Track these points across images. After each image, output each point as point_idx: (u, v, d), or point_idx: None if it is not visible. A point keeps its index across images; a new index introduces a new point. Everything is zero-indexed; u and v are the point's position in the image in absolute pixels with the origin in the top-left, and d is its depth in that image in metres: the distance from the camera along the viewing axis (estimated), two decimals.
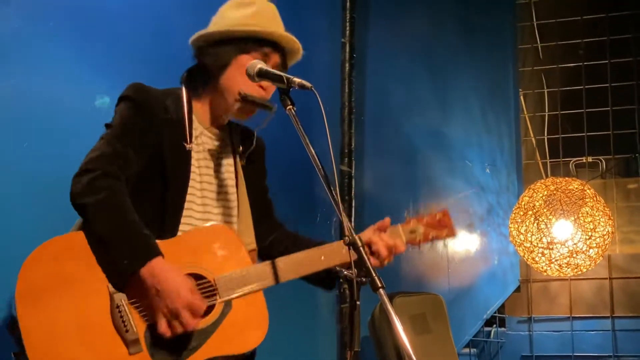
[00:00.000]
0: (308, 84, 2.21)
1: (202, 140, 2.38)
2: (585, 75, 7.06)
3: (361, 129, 4.76)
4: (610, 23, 7.05)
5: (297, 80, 2.22)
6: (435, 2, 5.80)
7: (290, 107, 2.22)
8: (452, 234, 2.67)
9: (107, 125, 2.26)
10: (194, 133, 2.35)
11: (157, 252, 2.08)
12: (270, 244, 2.57)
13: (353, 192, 4.50)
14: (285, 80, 2.22)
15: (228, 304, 2.23)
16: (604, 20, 7.07)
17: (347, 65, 4.65)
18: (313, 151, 2.15)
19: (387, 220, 2.56)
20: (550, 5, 7.21)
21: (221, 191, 2.41)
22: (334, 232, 4.40)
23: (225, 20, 2.40)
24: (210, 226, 2.35)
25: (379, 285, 1.98)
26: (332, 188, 2.10)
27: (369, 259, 2.01)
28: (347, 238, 2.06)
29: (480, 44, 6.45)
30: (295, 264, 2.36)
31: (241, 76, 2.33)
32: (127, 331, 2.03)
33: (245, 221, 2.44)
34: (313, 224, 4.29)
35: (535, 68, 7.27)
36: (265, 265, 2.31)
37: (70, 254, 2.03)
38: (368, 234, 2.51)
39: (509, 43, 7.05)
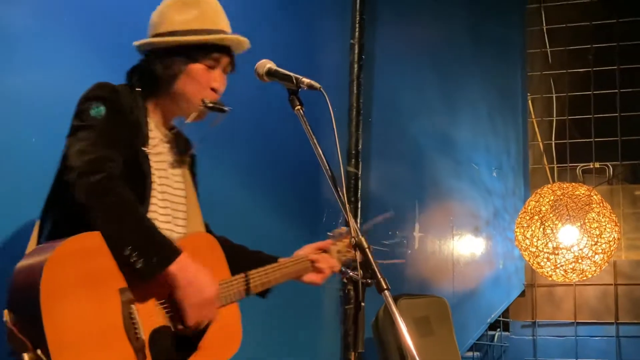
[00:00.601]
0: (317, 85, 2.22)
1: (156, 143, 2.36)
2: (594, 80, 7.04)
3: (368, 130, 4.77)
4: (620, 29, 7.03)
5: (306, 80, 2.23)
6: (444, 5, 5.79)
7: (299, 107, 2.23)
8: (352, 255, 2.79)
9: (82, 125, 2.17)
10: (150, 135, 2.34)
11: (180, 249, 2.10)
12: None
13: (359, 193, 4.51)
14: (295, 81, 2.23)
15: None
16: (613, 26, 7.06)
17: (355, 66, 4.66)
18: (321, 152, 2.16)
19: (330, 242, 2.72)
20: (560, 10, 7.19)
21: (178, 196, 2.42)
22: None
23: (168, 24, 2.36)
24: (196, 234, 2.40)
25: (384, 286, 1.99)
26: (339, 189, 2.11)
27: (374, 260, 2.02)
28: (353, 239, 2.07)
29: (489, 48, 6.44)
30: (264, 278, 2.48)
31: (194, 84, 2.35)
32: (137, 339, 2.02)
33: (197, 225, 2.46)
34: (319, 224, 4.29)
35: (543, 73, 7.25)
36: (241, 278, 2.40)
37: (93, 253, 2.00)
38: (310, 251, 2.68)
39: (518, 47, 7.04)
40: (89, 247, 2.00)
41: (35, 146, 2.62)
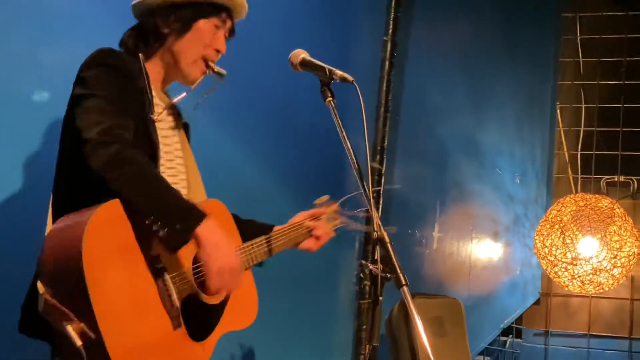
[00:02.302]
0: (350, 77, 2.21)
1: (158, 110, 2.31)
2: (624, 94, 6.99)
3: (395, 127, 4.77)
4: None
5: (339, 72, 2.22)
6: (479, 8, 5.78)
7: (330, 99, 2.22)
8: (338, 222, 2.79)
9: (87, 95, 2.10)
10: (154, 102, 2.29)
11: (205, 213, 2.06)
12: None
13: (382, 189, 4.52)
14: (328, 72, 2.22)
15: None
16: None
17: (387, 63, 4.66)
18: (349, 145, 2.14)
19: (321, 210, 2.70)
20: (595, 21, 7.15)
21: (178, 164, 2.38)
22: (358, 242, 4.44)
23: None
24: (208, 201, 2.37)
25: (403, 282, 1.98)
26: (364, 182, 2.11)
27: (395, 255, 2.02)
28: (375, 233, 2.06)
29: (521, 53, 6.42)
30: (282, 240, 2.51)
31: (199, 42, 2.32)
32: (172, 306, 2.02)
33: (199, 192, 2.43)
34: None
35: (574, 82, 7.21)
36: (263, 239, 2.43)
37: (120, 223, 1.96)
38: (304, 218, 2.67)
39: (550, 55, 7.01)
40: (120, 215, 1.96)
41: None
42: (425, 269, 5.15)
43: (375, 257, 2.03)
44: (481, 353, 6.12)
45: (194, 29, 2.32)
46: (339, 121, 2.20)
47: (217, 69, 2.36)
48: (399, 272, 1.99)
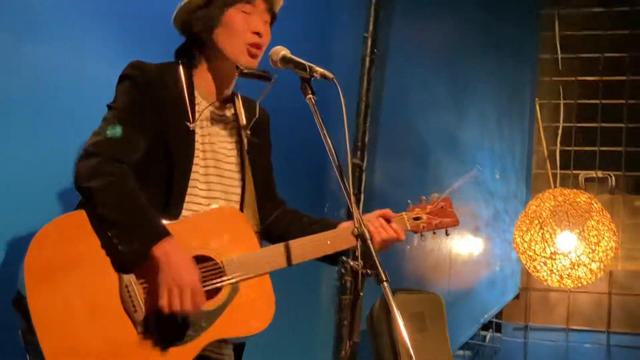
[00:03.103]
0: (330, 75, 2.23)
1: (206, 116, 2.34)
2: (602, 90, 7.06)
3: (376, 124, 4.78)
4: (632, 40, 7.04)
5: (319, 69, 2.23)
6: (459, 5, 5.80)
7: (310, 96, 2.23)
8: (455, 222, 2.66)
9: (110, 106, 2.22)
10: (197, 109, 2.31)
11: (167, 233, 2.09)
12: (272, 223, 2.54)
13: (363, 186, 4.53)
14: (308, 69, 2.23)
15: (235, 287, 2.23)
16: (626, 37, 7.07)
17: (367, 59, 4.66)
18: (330, 142, 2.15)
19: (387, 210, 2.58)
20: (574, 18, 7.21)
21: (226, 170, 2.38)
22: None
23: None
24: (219, 208, 2.33)
25: (384, 278, 2.00)
26: (345, 179, 2.12)
27: (376, 251, 2.04)
28: (355, 229, 2.08)
29: (501, 50, 6.45)
30: (307, 247, 2.36)
31: (233, 32, 2.32)
32: (135, 311, 2.04)
33: (249, 201, 2.42)
34: (321, 214, 4.31)
35: (553, 79, 7.27)
36: (279, 247, 2.32)
37: (80, 232, 2.02)
38: (371, 217, 2.52)
39: (530, 52, 7.05)
40: (81, 225, 2.03)
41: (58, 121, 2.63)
42: (406, 264, 5.17)
43: (356, 254, 2.05)
44: (461, 347, 6.16)
45: (223, 22, 2.32)
46: (320, 118, 2.21)
47: (247, 70, 2.33)
48: (379, 268, 2.01)
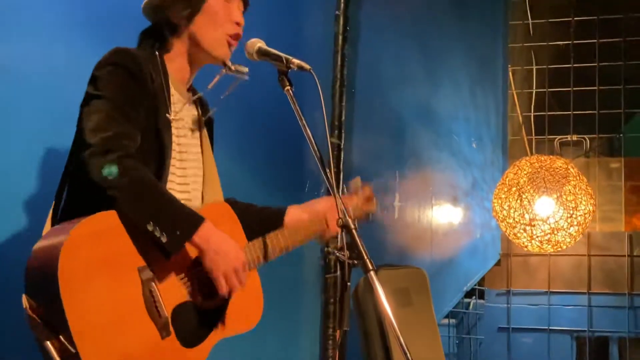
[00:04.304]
0: (307, 66, 2.22)
1: (178, 108, 2.31)
2: (574, 54, 7.11)
3: (352, 101, 4.78)
4: (602, 3, 7.09)
5: (296, 61, 2.23)
6: None
7: (289, 87, 2.23)
8: (374, 208, 2.76)
9: (99, 95, 2.10)
10: (172, 100, 2.28)
11: (202, 217, 2.08)
12: None
13: (342, 164, 4.55)
14: (285, 61, 2.23)
15: None
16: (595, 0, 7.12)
17: (340, 38, 4.65)
18: (310, 134, 2.16)
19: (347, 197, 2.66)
20: None
21: (194, 162, 2.37)
22: None
23: None
24: (213, 204, 2.35)
25: (370, 267, 2.03)
26: (327, 171, 2.13)
27: (361, 241, 2.06)
28: (340, 220, 2.10)
29: (471, 19, 6.47)
30: (282, 243, 2.40)
31: (214, 21, 2.28)
32: (160, 316, 2.02)
33: (214, 189, 2.42)
34: (301, 194, 4.33)
35: (525, 45, 7.30)
36: (258, 242, 2.33)
37: (109, 234, 1.97)
38: (326, 206, 2.59)
39: (499, 19, 7.07)
40: (104, 228, 1.96)
41: (28, 118, 2.60)
42: (388, 239, 5.21)
43: (341, 244, 2.07)
44: (446, 316, 6.24)
45: (203, 9, 2.27)
46: (299, 109, 2.21)
47: (235, 67, 2.31)
48: (365, 258, 2.03)
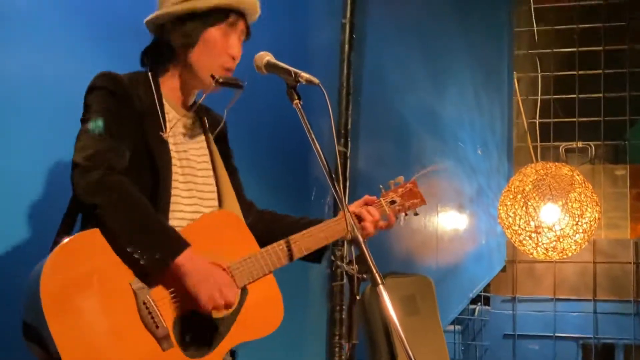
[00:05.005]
0: (316, 80, 2.21)
1: (175, 125, 2.31)
2: (579, 61, 7.12)
3: (357, 109, 4.79)
4: (606, 11, 7.10)
5: (305, 75, 2.22)
6: None
7: (297, 101, 2.22)
8: (423, 201, 2.74)
9: (86, 119, 2.15)
10: (168, 118, 2.28)
11: (186, 242, 2.08)
12: (250, 225, 2.47)
13: (348, 172, 4.55)
14: (293, 75, 2.22)
15: (244, 290, 2.24)
16: (600, 7, 7.12)
17: (346, 46, 4.66)
18: (319, 148, 2.16)
19: (373, 198, 2.62)
20: None
21: (200, 177, 2.36)
22: (328, 210, 4.46)
23: None
24: (217, 212, 2.34)
25: (379, 281, 2.02)
26: (336, 185, 2.13)
27: (370, 254, 2.06)
28: (349, 234, 2.10)
29: (476, 26, 6.48)
30: (305, 242, 2.39)
31: (211, 51, 2.28)
32: (157, 327, 2.02)
33: (230, 202, 2.41)
34: (308, 202, 4.33)
35: (530, 52, 7.31)
36: (279, 245, 2.33)
37: (91, 252, 1.98)
38: (355, 208, 2.55)
39: (505, 26, 7.08)
40: (87, 246, 1.99)
41: (32, 129, 2.61)
42: (394, 246, 5.21)
43: (350, 258, 2.08)
44: (452, 323, 6.24)
45: (202, 39, 2.28)
46: (307, 123, 2.20)
47: (222, 80, 2.30)
48: (374, 271, 2.03)
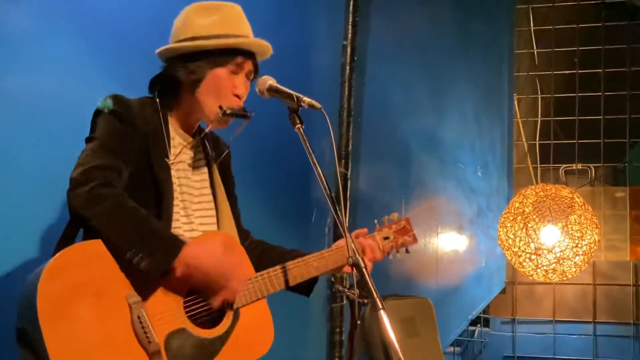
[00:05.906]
0: (318, 105, 2.23)
1: (179, 150, 2.34)
2: (579, 83, 7.15)
3: (358, 131, 4.81)
4: (606, 33, 7.13)
5: (307, 99, 2.24)
6: (434, 6, 5.84)
7: (299, 125, 2.24)
8: (415, 241, 2.78)
9: (89, 139, 2.19)
10: (172, 144, 2.32)
11: (182, 242, 2.09)
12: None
13: (348, 194, 4.56)
14: (295, 99, 2.24)
15: (236, 313, 2.25)
16: (599, 29, 7.16)
17: (347, 68, 4.68)
18: (321, 171, 2.17)
19: (365, 230, 2.65)
20: (548, 12, 7.28)
21: (201, 202, 2.39)
22: (328, 232, 4.46)
23: (191, 28, 2.33)
24: (217, 232, 2.36)
25: (380, 306, 2.02)
26: (338, 209, 2.14)
27: (371, 279, 2.07)
28: (350, 259, 2.10)
29: (477, 48, 6.51)
30: (302, 269, 2.42)
31: (216, 90, 2.30)
32: (149, 342, 2.02)
33: (229, 228, 2.43)
34: (308, 224, 4.34)
35: (530, 73, 7.35)
36: (276, 271, 2.35)
37: (91, 262, 1.99)
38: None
39: (505, 48, 7.11)
40: (86, 256, 1.99)
41: (34, 147, 2.62)
42: (394, 267, 5.21)
43: (351, 282, 2.08)
44: (451, 344, 6.23)
45: (209, 78, 2.30)
46: (309, 147, 2.22)
47: (230, 111, 2.31)
48: (375, 296, 2.03)
